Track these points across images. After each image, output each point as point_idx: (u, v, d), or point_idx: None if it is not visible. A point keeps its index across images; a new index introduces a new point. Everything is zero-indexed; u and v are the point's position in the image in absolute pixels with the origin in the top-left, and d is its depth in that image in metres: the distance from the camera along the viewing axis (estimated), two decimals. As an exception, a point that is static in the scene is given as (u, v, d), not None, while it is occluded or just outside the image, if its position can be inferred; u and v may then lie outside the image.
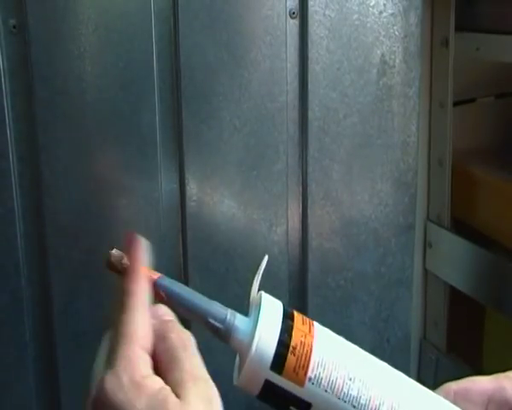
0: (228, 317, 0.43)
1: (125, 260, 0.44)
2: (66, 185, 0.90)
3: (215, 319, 0.43)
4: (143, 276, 0.42)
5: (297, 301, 1.03)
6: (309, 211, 1.02)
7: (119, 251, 0.44)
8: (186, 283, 0.97)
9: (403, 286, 1.11)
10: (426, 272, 1.17)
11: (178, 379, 0.38)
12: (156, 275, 0.44)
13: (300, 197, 1.02)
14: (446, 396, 0.47)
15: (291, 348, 0.42)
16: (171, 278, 0.44)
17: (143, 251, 0.43)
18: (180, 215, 0.96)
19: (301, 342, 0.42)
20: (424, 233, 1.15)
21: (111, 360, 0.38)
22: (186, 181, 0.94)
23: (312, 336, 0.43)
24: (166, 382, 0.38)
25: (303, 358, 0.42)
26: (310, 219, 1.02)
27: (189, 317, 0.44)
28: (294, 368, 0.42)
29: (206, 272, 0.97)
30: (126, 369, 0.38)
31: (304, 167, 1.01)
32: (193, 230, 0.96)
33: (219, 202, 0.97)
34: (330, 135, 1.00)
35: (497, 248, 1.07)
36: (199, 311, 0.43)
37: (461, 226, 1.15)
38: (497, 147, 1.23)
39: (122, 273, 0.43)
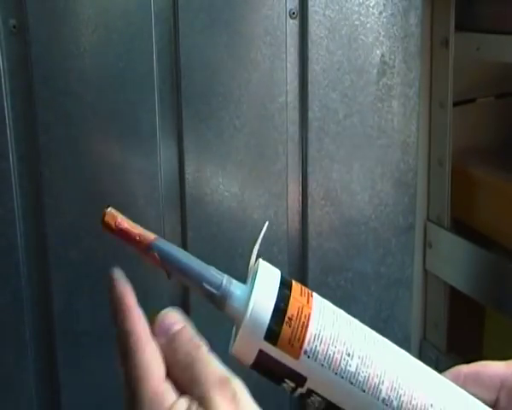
0: (224, 283, 0.42)
1: (120, 220, 0.43)
2: (66, 185, 0.90)
3: (210, 285, 0.42)
4: (138, 312, 0.41)
5: (297, 301, 1.03)
6: (309, 211, 1.02)
7: (114, 210, 0.43)
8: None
9: (403, 286, 1.11)
10: (426, 272, 1.17)
11: (200, 394, 0.38)
12: (152, 236, 0.42)
13: (300, 197, 1.02)
14: (455, 378, 0.46)
15: (287, 319, 0.40)
16: None
17: (129, 290, 0.43)
18: (180, 215, 0.96)
19: (298, 312, 0.41)
20: (424, 233, 1.15)
21: (135, 407, 0.38)
22: (186, 181, 0.95)
23: (310, 308, 0.41)
24: (192, 398, 0.38)
25: (299, 330, 0.40)
26: (310, 219, 1.02)
27: (183, 281, 0.42)
28: (289, 340, 0.40)
29: (206, 272, 0.97)
30: (152, 408, 0.38)
31: (304, 167, 1.01)
32: (193, 230, 0.96)
33: (219, 201, 0.97)
34: (330, 135, 1.00)
35: (497, 249, 1.07)
36: (194, 275, 0.42)
37: (461, 226, 1.15)
38: (497, 147, 1.23)
39: (115, 233, 0.43)
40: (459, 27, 1.06)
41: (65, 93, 0.87)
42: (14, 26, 0.85)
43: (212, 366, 0.39)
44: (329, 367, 0.41)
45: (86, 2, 0.86)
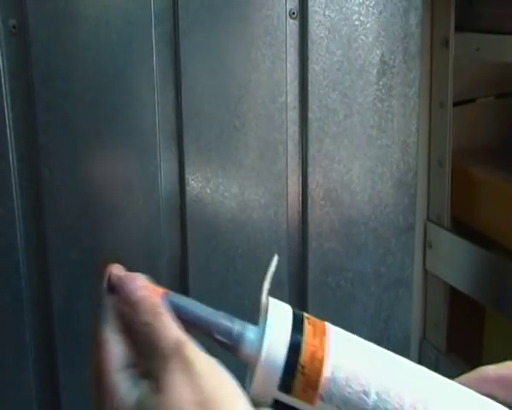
0: (235, 330, 0.41)
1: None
2: (66, 185, 0.90)
3: (221, 334, 0.41)
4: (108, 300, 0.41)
5: (297, 301, 1.03)
6: (309, 211, 1.02)
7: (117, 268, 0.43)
8: (186, 283, 0.97)
9: (403, 286, 1.11)
10: (426, 272, 1.16)
11: (153, 369, 0.38)
12: (159, 291, 0.42)
13: (300, 197, 1.02)
14: (481, 381, 0.45)
15: (299, 367, 0.40)
16: (174, 286, 0.43)
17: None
18: (180, 216, 0.96)
19: (311, 358, 0.40)
20: (424, 233, 1.15)
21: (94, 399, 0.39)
22: (186, 181, 0.94)
23: (323, 350, 0.41)
24: (144, 383, 0.38)
25: (313, 375, 0.40)
26: (310, 219, 1.02)
27: (194, 332, 0.42)
28: (304, 388, 0.40)
29: (206, 272, 0.97)
30: (108, 400, 0.38)
31: (304, 167, 1.01)
32: (193, 230, 0.96)
33: (219, 202, 0.97)
34: (330, 135, 1.00)
35: (497, 249, 1.07)
36: (204, 325, 0.42)
37: (461, 226, 1.15)
38: (497, 147, 1.23)
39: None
40: (459, 27, 1.06)
41: (65, 93, 0.87)
42: (14, 26, 0.85)
43: (165, 335, 0.39)
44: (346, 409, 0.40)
45: (86, 2, 0.86)
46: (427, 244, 1.15)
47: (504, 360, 0.48)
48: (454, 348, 1.16)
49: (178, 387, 0.36)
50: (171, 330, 0.39)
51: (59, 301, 0.92)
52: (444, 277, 1.13)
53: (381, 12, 0.99)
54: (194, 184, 0.95)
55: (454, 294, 1.14)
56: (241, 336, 0.41)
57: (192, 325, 0.42)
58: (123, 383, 0.38)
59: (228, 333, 0.41)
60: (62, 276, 0.92)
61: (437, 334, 1.17)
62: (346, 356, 0.41)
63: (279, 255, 1.08)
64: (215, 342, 0.42)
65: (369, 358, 0.42)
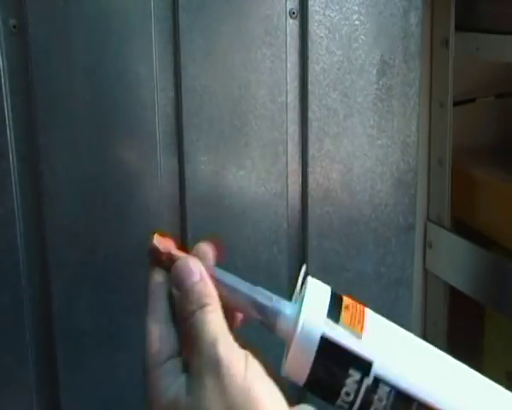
0: (272, 306, 0.41)
1: (163, 248, 0.42)
2: (66, 185, 0.90)
3: (258, 310, 0.41)
4: (157, 282, 0.41)
5: (297, 301, 1.03)
6: (309, 211, 1.02)
7: (159, 237, 0.43)
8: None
9: (403, 286, 1.11)
10: (426, 272, 1.17)
11: (190, 361, 0.38)
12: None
13: (300, 197, 1.02)
14: None
15: (344, 307, 0.40)
16: None
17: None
18: (180, 216, 0.96)
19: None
20: (424, 233, 1.15)
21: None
22: (186, 181, 0.94)
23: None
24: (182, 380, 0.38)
25: (357, 313, 0.41)
26: (310, 219, 1.02)
27: (231, 305, 0.42)
28: (350, 320, 0.40)
29: (206, 272, 0.97)
30: (152, 394, 0.38)
31: (304, 167, 1.01)
32: (193, 230, 0.96)
33: (219, 202, 0.96)
34: (330, 135, 1.00)
35: (497, 249, 1.07)
36: (241, 301, 0.42)
37: (461, 226, 1.15)
38: (497, 147, 1.23)
39: (161, 260, 0.42)
40: (459, 27, 1.06)
41: (65, 93, 0.87)
42: (14, 26, 0.85)
43: (203, 330, 0.38)
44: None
45: (86, 2, 0.85)
46: (427, 244, 1.15)
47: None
48: (454, 348, 1.16)
49: (207, 392, 0.36)
50: (212, 325, 0.39)
51: (59, 301, 0.92)
52: (444, 277, 1.13)
53: (380, 12, 0.99)
54: (194, 183, 0.95)
55: (454, 294, 1.14)
56: (278, 311, 0.41)
57: (227, 298, 0.42)
58: (164, 378, 0.38)
59: (264, 308, 0.41)
60: (62, 276, 0.92)
61: (437, 334, 1.17)
62: (385, 337, 0.41)
63: (279, 255, 1.08)
64: (252, 316, 0.41)
65: (407, 344, 0.42)
